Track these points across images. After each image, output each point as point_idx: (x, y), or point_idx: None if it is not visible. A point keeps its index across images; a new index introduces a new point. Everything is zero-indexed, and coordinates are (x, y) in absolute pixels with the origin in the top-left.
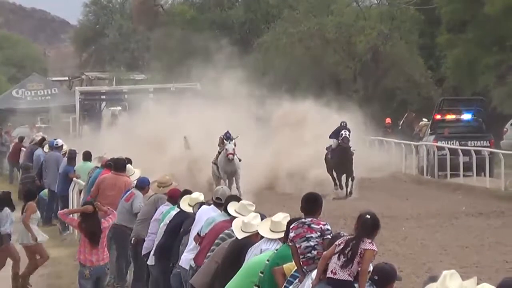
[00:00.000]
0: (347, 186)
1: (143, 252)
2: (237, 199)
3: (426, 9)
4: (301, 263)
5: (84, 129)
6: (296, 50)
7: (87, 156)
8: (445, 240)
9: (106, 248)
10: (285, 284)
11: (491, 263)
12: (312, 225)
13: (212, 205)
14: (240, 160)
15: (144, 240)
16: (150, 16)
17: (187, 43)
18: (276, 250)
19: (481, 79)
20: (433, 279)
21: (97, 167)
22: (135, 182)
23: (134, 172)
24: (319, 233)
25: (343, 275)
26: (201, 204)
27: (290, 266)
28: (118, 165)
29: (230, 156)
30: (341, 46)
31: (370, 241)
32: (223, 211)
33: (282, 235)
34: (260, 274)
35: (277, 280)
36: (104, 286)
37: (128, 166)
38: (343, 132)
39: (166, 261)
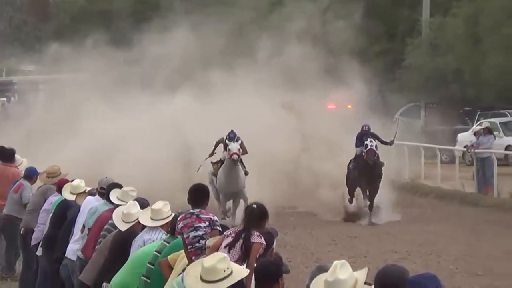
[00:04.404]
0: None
1: (32, 243)
2: (119, 186)
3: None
4: (189, 253)
5: None
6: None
7: None
8: (335, 231)
9: None
10: (180, 272)
11: (380, 253)
12: (201, 215)
13: (97, 195)
14: (247, 174)
15: (33, 231)
16: (41, 7)
17: (77, 34)
18: (164, 240)
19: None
20: (322, 268)
21: None
22: (23, 172)
23: (22, 162)
24: (207, 223)
25: None
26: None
27: (174, 257)
28: (6, 155)
29: (235, 156)
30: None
31: (258, 234)
32: (105, 200)
33: (163, 222)
34: (150, 266)
35: (163, 272)
36: None
37: (16, 156)
38: (368, 142)
39: (52, 252)
